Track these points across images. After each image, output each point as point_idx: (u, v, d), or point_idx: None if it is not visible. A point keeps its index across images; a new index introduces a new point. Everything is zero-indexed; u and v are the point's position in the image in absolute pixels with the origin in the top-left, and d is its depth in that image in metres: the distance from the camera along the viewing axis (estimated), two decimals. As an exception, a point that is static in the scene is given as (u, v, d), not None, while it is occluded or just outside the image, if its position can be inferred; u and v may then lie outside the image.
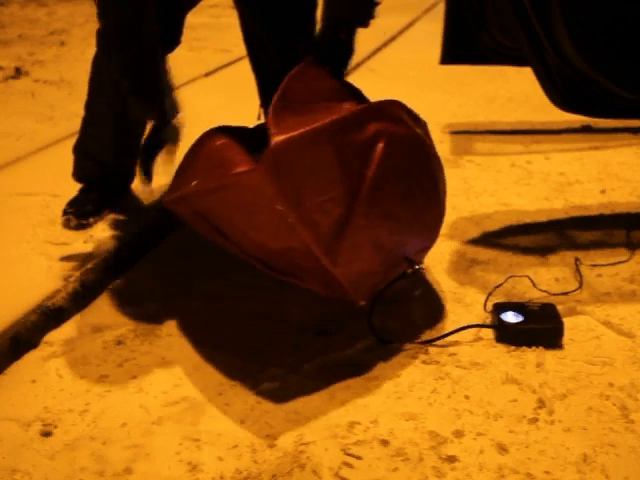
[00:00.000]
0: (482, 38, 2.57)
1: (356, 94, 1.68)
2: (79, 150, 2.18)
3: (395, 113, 1.57)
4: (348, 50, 1.72)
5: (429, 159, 1.65)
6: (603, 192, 2.44)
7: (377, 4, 1.69)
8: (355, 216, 1.47)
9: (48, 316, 1.70)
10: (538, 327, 1.63)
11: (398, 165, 1.54)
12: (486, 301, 1.76)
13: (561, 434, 1.35)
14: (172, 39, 1.82)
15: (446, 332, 1.63)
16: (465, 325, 1.65)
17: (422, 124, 1.66)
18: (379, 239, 1.53)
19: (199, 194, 1.52)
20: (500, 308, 1.67)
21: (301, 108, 1.52)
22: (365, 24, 1.70)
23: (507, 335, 1.63)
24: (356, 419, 1.40)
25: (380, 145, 1.50)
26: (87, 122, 2.14)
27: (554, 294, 1.80)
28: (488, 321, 1.69)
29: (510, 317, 1.63)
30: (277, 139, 1.41)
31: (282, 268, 1.57)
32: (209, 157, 1.55)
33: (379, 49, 4.61)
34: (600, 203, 2.36)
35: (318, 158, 1.45)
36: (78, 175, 2.19)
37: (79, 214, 2.10)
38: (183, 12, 1.81)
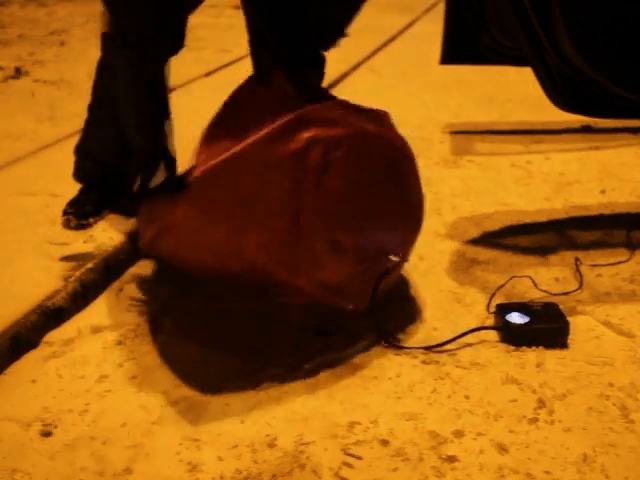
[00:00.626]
0: (482, 38, 2.57)
1: (312, 98, 1.62)
2: (81, 150, 2.18)
3: (330, 115, 1.52)
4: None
5: (385, 151, 1.59)
6: (603, 192, 2.44)
7: (345, 36, 1.77)
8: (303, 225, 1.45)
9: (48, 316, 1.70)
10: (545, 327, 1.62)
11: (343, 165, 1.50)
12: (489, 302, 1.75)
13: (561, 434, 1.35)
14: (175, 42, 1.82)
15: (452, 337, 1.61)
16: (473, 328, 1.64)
17: (377, 116, 1.61)
18: (339, 242, 1.50)
19: (154, 240, 1.56)
20: (504, 309, 1.66)
21: (237, 127, 1.50)
22: (326, 49, 1.82)
23: (512, 336, 1.62)
24: (356, 419, 1.40)
25: (316, 150, 1.46)
26: (89, 123, 2.15)
27: (554, 294, 1.80)
28: (489, 321, 1.69)
29: (515, 318, 1.62)
30: (196, 173, 1.43)
31: (259, 288, 1.57)
32: (151, 206, 1.61)
33: (379, 49, 4.60)
34: (600, 203, 2.36)
35: (246, 178, 1.44)
36: (79, 175, 2.19)
37: (79, 214, 2.10)
38: (185, 14, 1.81)
